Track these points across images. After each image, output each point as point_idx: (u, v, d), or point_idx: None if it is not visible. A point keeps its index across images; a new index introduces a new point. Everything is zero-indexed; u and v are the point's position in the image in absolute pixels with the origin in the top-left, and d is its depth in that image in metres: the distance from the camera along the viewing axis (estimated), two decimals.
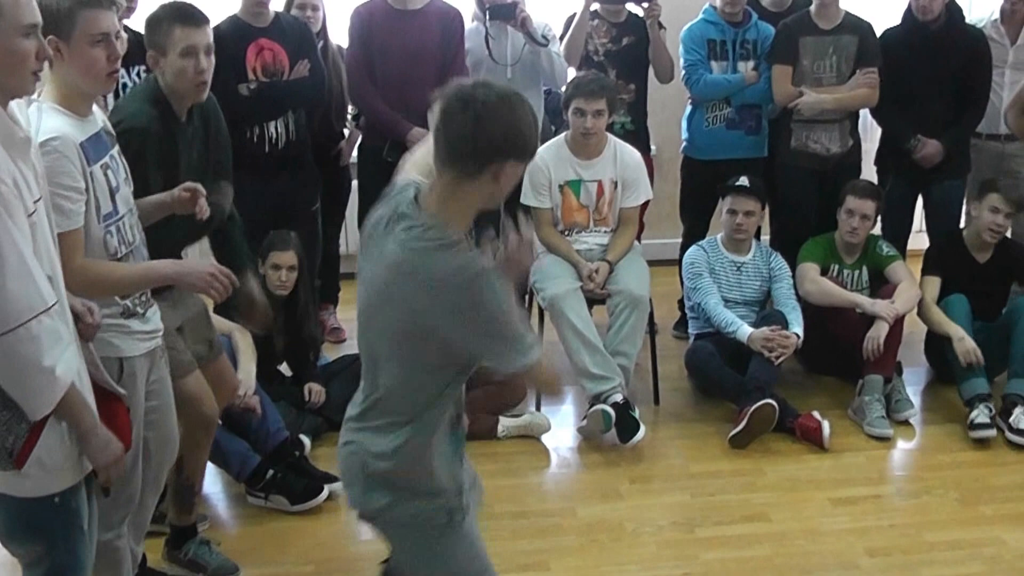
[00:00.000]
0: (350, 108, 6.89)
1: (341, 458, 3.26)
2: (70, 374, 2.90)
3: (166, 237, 4.03)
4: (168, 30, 4.11)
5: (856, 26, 6.61)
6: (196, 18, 4.17)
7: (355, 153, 6.92)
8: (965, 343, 5.98)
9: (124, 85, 5.52)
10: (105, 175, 3.54)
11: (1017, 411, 5.82)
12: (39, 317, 2.78)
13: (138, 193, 3.83)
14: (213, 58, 4.24)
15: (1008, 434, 5.79)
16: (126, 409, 3.42)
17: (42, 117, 3.40)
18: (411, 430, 3.09)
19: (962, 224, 6.88)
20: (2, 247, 2.74)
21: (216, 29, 5.72)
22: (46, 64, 3.01)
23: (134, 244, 3.71)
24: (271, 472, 5.15)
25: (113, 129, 3.77)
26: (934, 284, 6.30)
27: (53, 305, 2.84)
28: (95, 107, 3.65)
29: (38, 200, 2.93)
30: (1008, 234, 6.53)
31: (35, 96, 3.47)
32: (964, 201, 6.88)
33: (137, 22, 5.83)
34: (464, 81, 2.98)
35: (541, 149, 6.13)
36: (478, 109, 2.89)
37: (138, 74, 5.60)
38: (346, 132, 7.01)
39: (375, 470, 3.13)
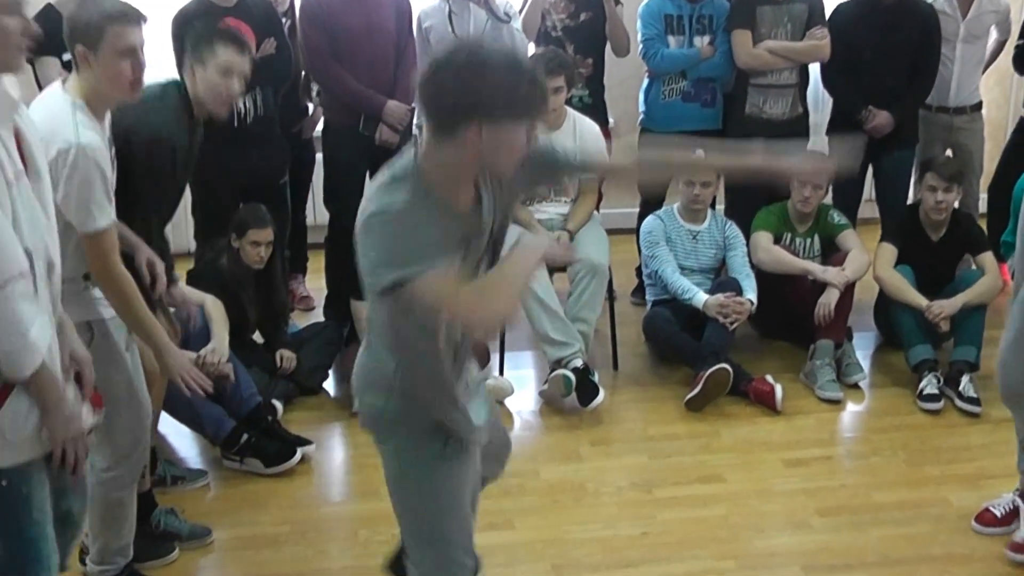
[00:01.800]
0: (314, 84, 7.00)
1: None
2: (43, 343, 2.91)
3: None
4: (212, 47, 4.29)
5: None
6: (243, 44, 4.38)
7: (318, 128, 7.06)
8: (933, 309, 6.10)
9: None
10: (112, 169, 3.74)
11: (964, 379, 5.96)
12: (16, 280, 2.79)
13: (150, 199, 4.19)
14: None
15: (958, 402, 5.93)
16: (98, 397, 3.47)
17: (78, 119, 3.56)
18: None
19: (910, 193, 7.07)
20: None
21: (184, 9, 5.87)
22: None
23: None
24: (245, 436, 5.27)
25: (141, 136, 4.03)
26: (892, 252, 6.39)
27: (25, 272, 2.84)
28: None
29: (24, 171, 2.93)
30: (956, 205, 6.70)
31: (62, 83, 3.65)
32: (913, 171, 7.06)
33: None
34: (460, 42, 3.01)
35: None
36: (433, 69, 2.84)
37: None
38: (309, 108, 7.13)
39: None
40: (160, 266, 4.21)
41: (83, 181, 3.52)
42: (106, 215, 3.61)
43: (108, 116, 3.81)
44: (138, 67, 3.68)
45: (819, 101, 7.82)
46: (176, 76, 4.47)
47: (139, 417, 4.03)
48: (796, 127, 6.90)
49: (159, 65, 6.44)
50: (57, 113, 3.56)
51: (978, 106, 7.32)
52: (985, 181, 7.48)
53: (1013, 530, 4.77)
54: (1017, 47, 7.08)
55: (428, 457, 3.26)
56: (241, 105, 5.99)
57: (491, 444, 3.60)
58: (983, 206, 7.44)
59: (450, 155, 2.89)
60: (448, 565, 3.39)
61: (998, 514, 4.81)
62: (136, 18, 3.67)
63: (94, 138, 3.57)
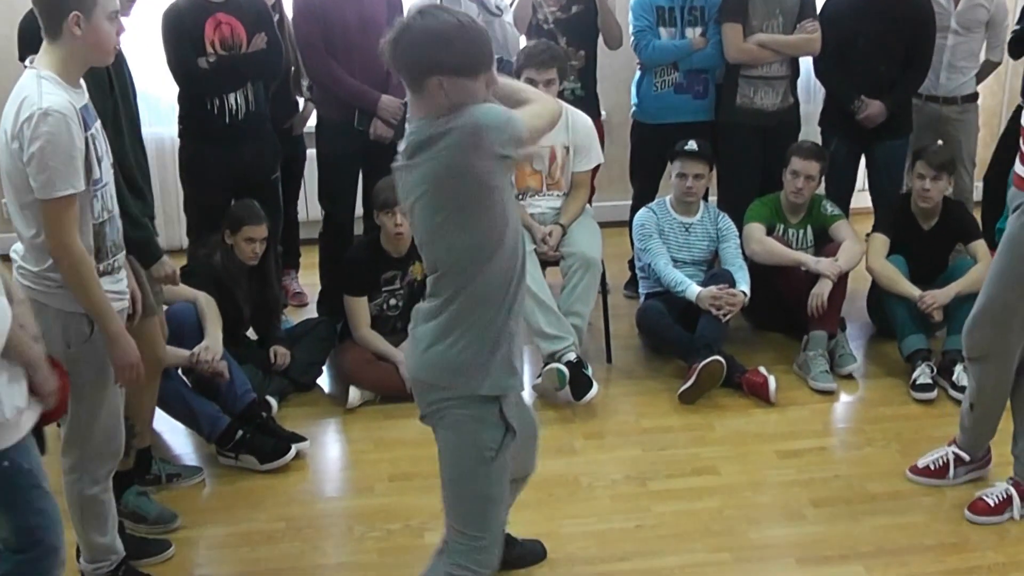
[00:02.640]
0: (304, 80, 6.99)
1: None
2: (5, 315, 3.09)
3: None
4: None
5: None
6: None
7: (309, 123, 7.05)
8: (926, 300, 6.12)
9: None
10: (94, 144, 3.70)
11: (958, 368, 5.94)
12: None
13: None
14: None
15: (951, 391, 5.94)
16: (64, 372, 3.54)
17: (42, 87, 3.55)
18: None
19: (904, 183, 7.08)
20: None
21: (175, 5, 5.86)
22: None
23: (113, 212, 3.89)
24: (240, 433, 5.28)
25: None
26: (884, 242, 6.41)
27: None
28: (81, 82, 3.80)
29: None
30: (950, 193, 6.71)
31: (27, 63, 3.65)
32: (907, 160, 7.06)
33: None
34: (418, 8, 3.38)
35: None
36: (398, 33, 3.27)
37: None
38: (300, 104, 7.14)
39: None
40: (139, 300, 4.26)
41: (45, 143, 3.50)
42: (68, 183, 3.55)
43: (85, 88, 3.80)
44: (121, 30, 3.71)
45: (811, 91, 7.83)
46: None
47: (116, 416, 4.05)
48: (787, 118, 6.92)
49: (148, 61, 6.49)
50: (23, 89, 3.57)
51: (971, 97, 7.28)
52: (979, 172, 7.47)
53: (1007, 518, 4.81)
54: (1014, 32, 7.06)
55: (486, 447, 3.53)
56: (232, 102, 6.00)
57: (525, 437, 3.92)
58: (978, 194, 7.44)
59: (426, 107, 3.29)
60: (484, 552, 3.66)
61: (991, 503, 4.85)
62: None
63: (59, 101, 3.55)
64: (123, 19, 4.49)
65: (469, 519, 3.63)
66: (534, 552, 4.62)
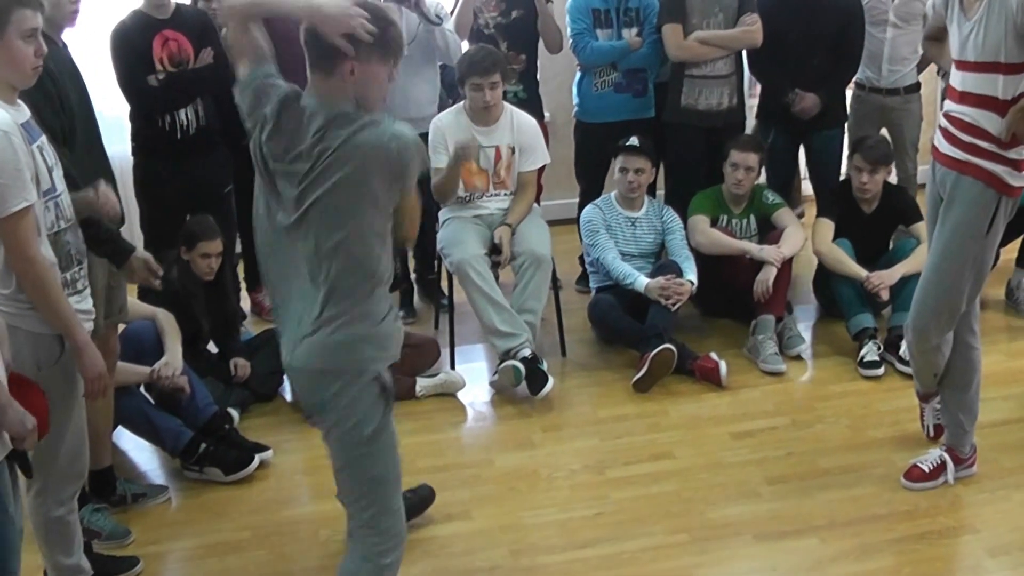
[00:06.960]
0: None
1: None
2: None
3: None
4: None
5: None
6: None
7: None
8: (872, 280, 6.28)
9: None
10: (42, 155, 3.69)
11: (904, 343, 6.01)
12: None
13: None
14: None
15: (899, 366, 6.07)
16: (43, 394, 3.54)
17: None
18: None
19: (843, 169, 7.21)
20: None
21: (122, 24, 5.91)
22: None
23: (71, 221, 3.89)
24: (204, 446, 5.31)
25: None
26: (829, 226, 6.56)
27: None
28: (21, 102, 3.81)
29: None
30: (893, 179, 6.84)
31: None
32: (845, 148, 7.18)
33: None
34: None
35: (441, 115, 6.39)
36: None
37: None
38: None
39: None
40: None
41: None
42: (20, 196, 3.50)
43: (24, 105, 3.76)
44: (39, 52, 3.66)
45: (748, 86, 7.94)
46: None
47: (81, 437, 4.05)
48: (732, 119, 7.01)
49: (96, 80, 6.53)
50: None
51: (913, 87, 7.37)
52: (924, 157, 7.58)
53: (941, 483, 4.98)
54: None
55: (381, 416, 3.54)
56: (183, 117, 6.07)
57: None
58: (921, 178, 7.55)
59: (333, 88, 3.40)
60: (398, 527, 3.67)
61: (926, 469, 5.01)
62: (38, 3, 3.67)
63: None
64: (69, 29, 4.56)
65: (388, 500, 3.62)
66: (424, 498, 4.85)
